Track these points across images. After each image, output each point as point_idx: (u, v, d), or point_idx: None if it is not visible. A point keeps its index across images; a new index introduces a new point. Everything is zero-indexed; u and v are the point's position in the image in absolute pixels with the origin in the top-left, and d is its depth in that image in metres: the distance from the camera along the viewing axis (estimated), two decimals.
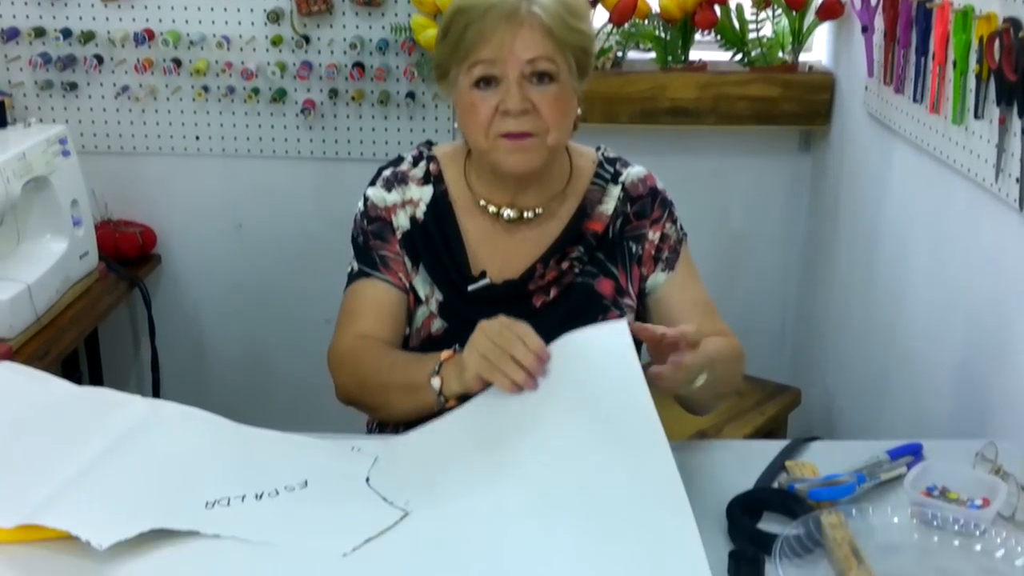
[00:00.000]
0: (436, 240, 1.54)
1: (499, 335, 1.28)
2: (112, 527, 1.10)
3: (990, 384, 1.66)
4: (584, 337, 1.27)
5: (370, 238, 1.55)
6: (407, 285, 1.54)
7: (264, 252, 2.71)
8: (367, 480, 1.25)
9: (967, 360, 1.75)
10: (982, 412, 1.67)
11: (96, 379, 2.64)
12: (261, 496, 1.20)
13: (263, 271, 2.73)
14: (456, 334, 1.51)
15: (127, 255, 2.54)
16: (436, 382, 1.36)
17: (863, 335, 2.29)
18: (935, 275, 1.89)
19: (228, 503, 1.19)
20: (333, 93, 2.53)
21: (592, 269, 1.54)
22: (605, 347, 1.26)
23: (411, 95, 2.53)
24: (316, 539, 1.13)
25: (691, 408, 1.47)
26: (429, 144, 1.63)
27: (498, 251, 1.54)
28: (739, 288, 2.75)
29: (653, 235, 1.56)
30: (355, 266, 1.56)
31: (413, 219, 1.55)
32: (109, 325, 2.68)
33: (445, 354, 1.38)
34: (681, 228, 1.59)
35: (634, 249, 1.55)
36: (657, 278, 1.56)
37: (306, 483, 1.23)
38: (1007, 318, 1.61)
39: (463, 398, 1.34)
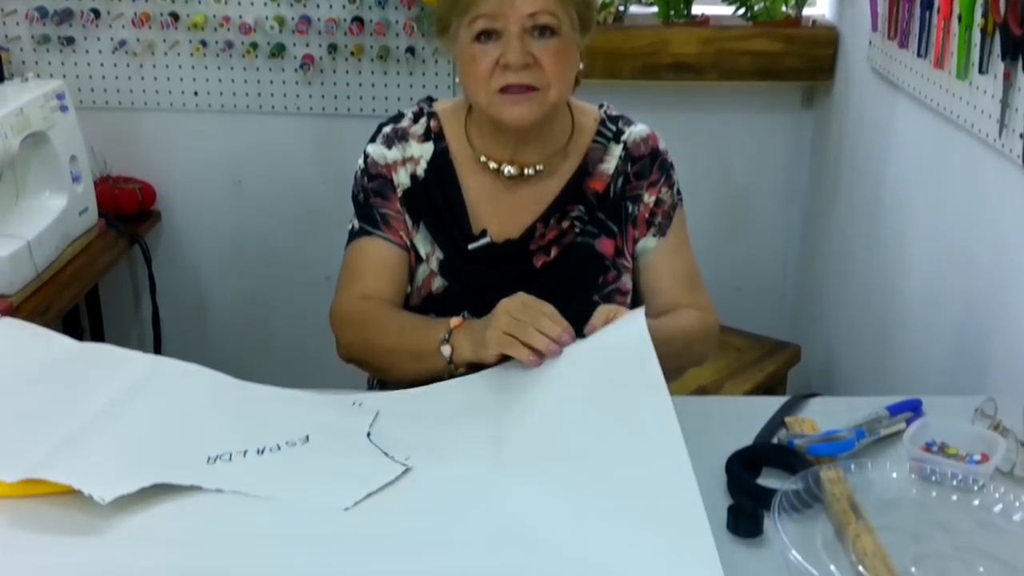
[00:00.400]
0: (437, 198, 1.53)
1: (523, 312, 1.29)
2: (115, 481, 1.11)
3: (990, 340, 1.66)
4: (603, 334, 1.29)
5: (371, 196, 1.54)
6: (408, 243, 1.54)
7: (264, 209, 2.71)
8: (368, 435, 1.25)
9: (967, 316, 1.75)
10: (982, 368, 1.67)
11: (97, 336, 2.64)
12: (263, 451, 1.21)
13: (263, 228, 2.72)
14: (457, 292, 1.51)
15: (126, 212, 2.53)
16: (447, 350, 1.36)
17: (863, 292, 2.29)
18: (936, 231, 1.89)
19: (230, 458, 1.19)
20: (332, 48, 2.51)
21: (593, 229, 1.53)
22: (619, 331, 1.27)
23: (411, 50, 2.51)
24: (317, 493, 1.14)
25: None
26: (429, 100, 1.61)
27: (499, 209, 1.54)
28: (740, 245, 2.75)
29: (649, 198, 1.55)
30: (356, 224, 1.55)
31: (414, 176, 1.54)
32: (110, 282, 2.68)
33: (454, 321, 1.38)
34: (678, 193, 1.58)
35: (630, 209, 1.55)
36: (647, 243, 1.56)
37: (307, 438, 1.24)
38: (1008, 274, 1.60)
39: (472, 367, 1.34)
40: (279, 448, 1.22)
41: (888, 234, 2.14)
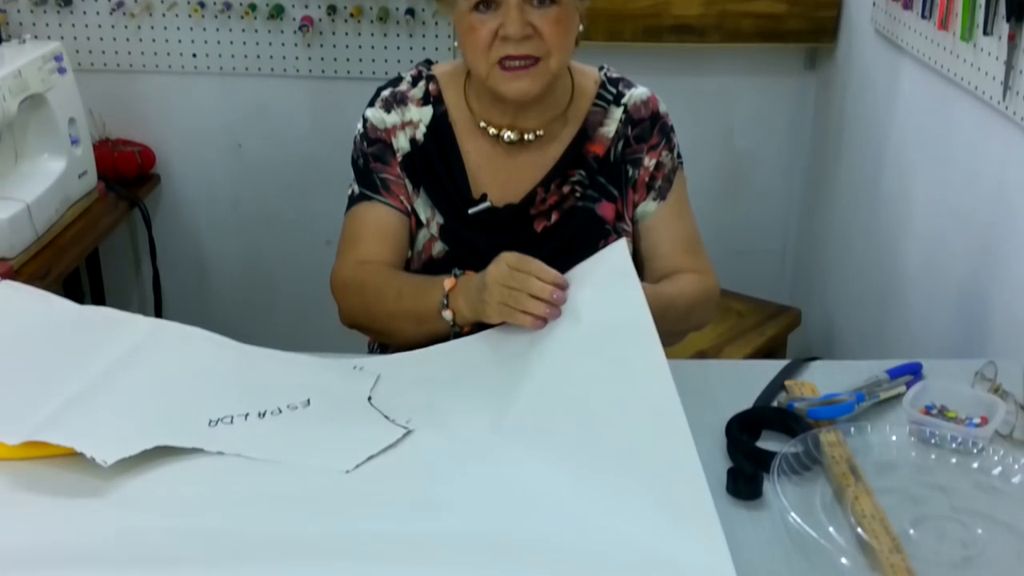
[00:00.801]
0: (436, 162, 1.52)
1: (511, 278, 1.27)
2: (116, 444, 1.11)
3: (991, 304, 1.66)
4: (588, 265, 1.27)
5: (370, 160, 1.53)
6: (409, 208, 1.53)
7: (263, 172, 2.70)
8: (369, 399, 1.26)
9: (968, 280, 1.75)
10: (982, 332, 1.67)
11: (98, 299, 2.65)
12: (264, 414, 1.21)
13: (263, 191, 2.71)
14: (457, 257, 1.51)
15: (126, 175, 2.53)
16: (448, 315, 1.36)
17: (864, 255, 2.29)
18: (939, 195, 1.88)
19: (231, 421, 1.20)
20: (331, 9, 2.49)
21: (593, 193, 1.52)
22: (606, 269, 1.25)
23: (410, 12, 2.49)
24: (318, 456, 1.14)
25: None
26: (428, 63, 1.60)
27: (499, 174, 1.53)
28: (741, 208, 2.74)
29: (649, 161, 1.54)
30: (356, 189, 1.55)
31: (413, 141, 1.53)
32: (110, 245, 2.68)
33: (448, 282, 1.37)
34: (678, 156, 1.57)
35: (631, 173, 1.54)
36: (647, 206, 1.55)
37: (308, 402, 1.24)
38: (1010, 237, 1.60)
39: (478, 324, 1.34)
40: (280, 411, 1.22)
41: (890, 197, 2.13)
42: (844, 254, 2.44)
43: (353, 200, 1.54)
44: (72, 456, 1.10)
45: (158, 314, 2.66)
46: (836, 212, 2.49)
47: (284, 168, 2.69)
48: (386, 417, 1.21)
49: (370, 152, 1.53)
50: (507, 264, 1.29)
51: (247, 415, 1.21)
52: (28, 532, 1.01)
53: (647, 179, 1.54)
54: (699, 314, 1.52)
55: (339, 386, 1.29)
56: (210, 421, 1.19)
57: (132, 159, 2.55)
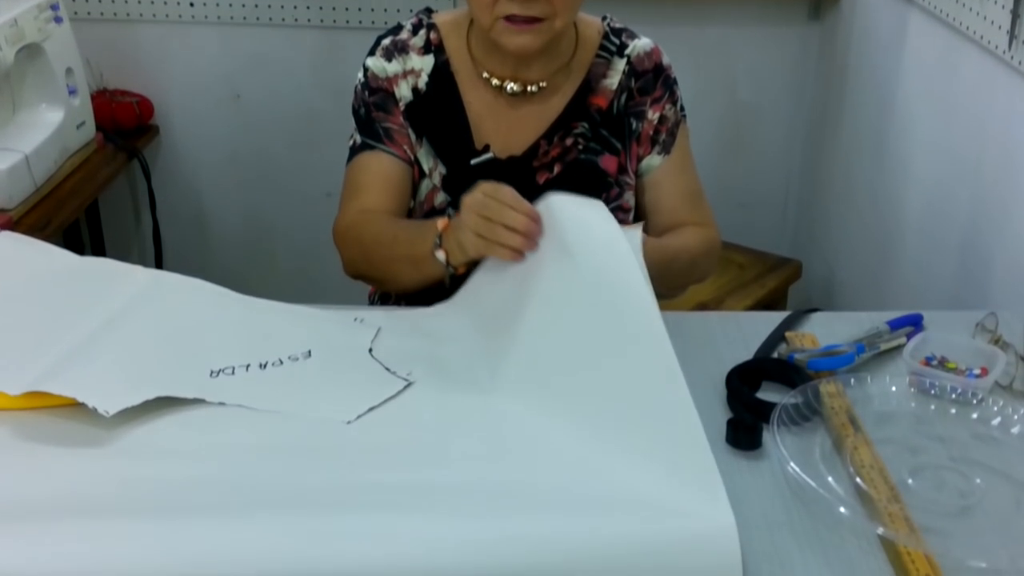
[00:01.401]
0: (438, 112, 1.51)
1: (486, 207, 1.24)
2: (118, 394, 1.11)
3: (993, 255, 1.65)
4: (568, 201, 1.25)
5: (372, 110, 1.52)
6: (411, 157, 1.52)
7: (263, 124, 2.68)
8: (370, 351, 1.26)
9: (971, 231, 1.74)
10: (984, 283, 1.67)
11: (98, 251, 2.64)
12: (265, 366, 1.21)
13: (263, 143, 2.70)
14: (459, 208, 1.50)
15: (124, 126, 2.51)
16: (441, 255, 1.34)
17: (866, 207, 2.28)
18: (943, 146, 1.87)
19: (233, 372, 1.20)
20: None
21: (596, 146, 1.52)
22: (593, 218, 1.23)
23: None
24: (319, 408, 1.14)
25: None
26: (428, 11, 1.58)
27: (501, 125, 1.52)
28: (743, 160, 2.73)
29: (653, 115, 1.53)
30: (357, 139, 1.53)
31: (415, 90, 1.52)
32: (109, 197, 2.67)
33: (441, 223, 1.35)
34: (681, 109, 1.56)
35: (634, 126, 1.53)
36: (652, 160, 1.54)
37: (309, 353, 1.24)
38: (1014, 189, 1.59)
39: (473, 264, 1.33)
40: (281, 363, 1.22)
41: (893, 148, 2.12)
42: (846, 206, 2.43)
43: (355, 150, 1.53)
44: (74, 406, 1.11)
45: (159, 266, 2.66)
46: (839, 164, 2.48)
47: (284, 119, 2.67)
48: (387, 369, 1.22)
49: (372, 101, 1.52)
50: (482, 192, 1.26)
51: (248, 366, 1.21)
52: (29, 482, 1.02)
53: (651, 133, 1.53)
54: (702, 267, 1.52)
55: (340, 338, 1.29)
56: (211, 372, 1.19)
57: (130, 110, 2.53)
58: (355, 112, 1.54)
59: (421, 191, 1.53)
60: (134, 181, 2.71)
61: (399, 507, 0.97)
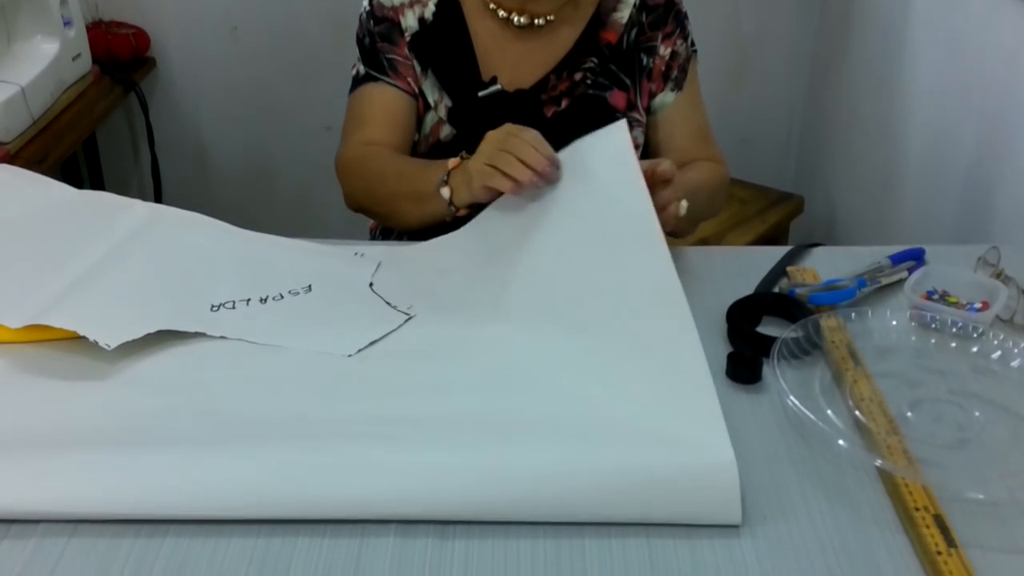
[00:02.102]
0: (445, 43, 1.49)
1: (507, 142, 1.23)
2: (119, 328, 1.11)
3: (995, 189, 1.65)
4: (585, 144, 1.25)
5: (377, 40, 1.49)
6: (416, 90, 1.50)
7: (261, 56, 2.65)
8: (371, 285, 1.26)
9: (974, 165, 1.73)
10: (986, 217, 1.67)
11: (97, 185, 2.63)
12: (266, 300, 1.21)
13: (261, 76, 2.67)
14: (465, 140, 1.49)
15: (121, 58, 2.48)
16: (445, 192, 1.32)
17: (869, 142, 2.26)
18: (947, 80, 1.85)
19: (233, 306, 1.20)
20: None
21: (604, 81, 1.50)
22: (605, 150, 1.23)
23: None
24: (320, 342, 1.15)
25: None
26: None
27: (508, 57, 1.50)
28: (746, 94, 2.71)
29: (664, 51, 1.51)
30: (361, 69, 1.51)
31: (422, 20, 1.50)
32: (107, 131, 2.66)
33: (452, 162, 1.34)
34: (692, 44, 1.54)
35: (645, 62, 1.51)
36: (665, 98, 1.52)
37: (310, 287, 1.24)
38: (1017, 123, 1.58)
39: (475, 207, 1.32)
40: (282, 297, 1.22)
41: (897, 83, 2.10)
42: (849, 140, 2.41)
43: (358, 81, 1.51)
44: (75, 340, 1.11)
45: (158, 200, 2.65)
46: (842, 98, 2.46)
47: (282, 52, 2.64)
48: (388, 303, 1.22)
49: (377, 31, 1.50)
50: (507, 129, 1.25)
51: (248, 300, 1.21)
52: (31, 415, 1.02)
53: (663, 69, 1.51)
54: (717, 203, 1.52)
55: (341, 272, 1.29)
56: (212, 306, 1.19)
57: (126, 41, 2.50)
58: (359, 41, 1.52)
59: (426, 124, 1.51)
60: (132, 114, 2.69)
61: (399, 439, 0.97)
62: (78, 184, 2.56)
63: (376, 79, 1.49)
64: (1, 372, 1.09)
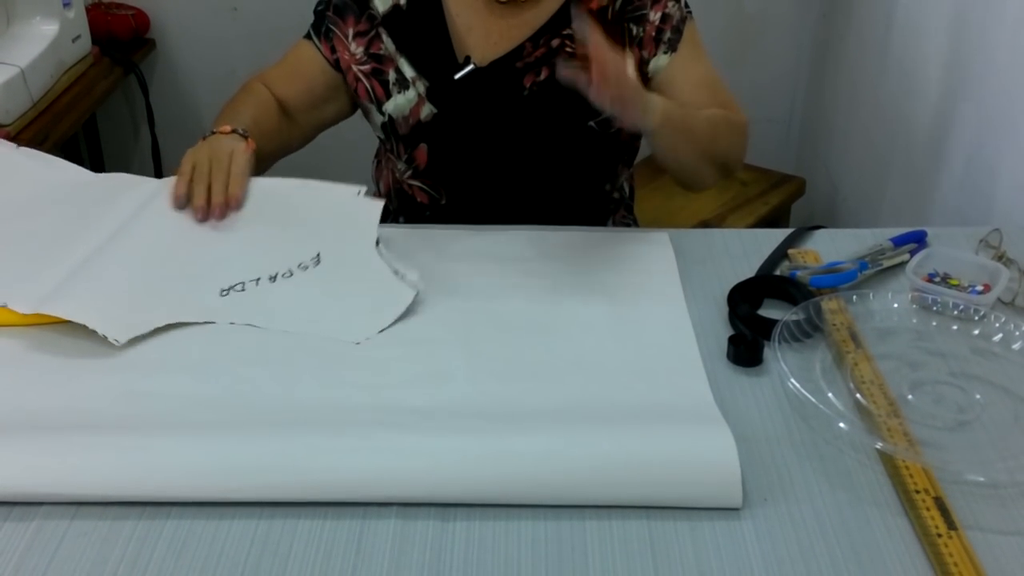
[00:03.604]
0: (420, 23, 1.49)
1: (210, 161, 1.32)
2: (128, 317, 1.11)
3: (998, 171, 1.64)
4: None
5: (330, 9, 1.53)
6: (339, 64, 1.52)
7: (261, 37, 2.63)
8: (377, 243, 1.25)
9: (976, 146, 1.73)
10: (988, 199, 1.66)
11: (97, 166, 2.63)
12: (275, 278, 1.21)
13: (261, 56, 2.62)
14: (447, 119, 1.49)
15: (120, 39, 2.48)
16: (199, 142, 1.39)
17: (871, 123, 2.26)
18: (950, 60, 1.85)
19: (243, 288, 1.19)
20: None
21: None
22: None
23: None
24: (329, 328, 1.14)
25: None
26: None
27: (491, 35, 1.48)
28: (747, 75, 2.69)
29: (654, 15, 1.49)
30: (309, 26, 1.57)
31: (396, 5, 1.49)
32: (107, 112, 2.65)
33: (223, 128, 1.39)
34: (686, 6, 1.52)
35: (635, 31, 1.49)
36: (660, 60, 1.50)
37: (318, 258, 1.23)
38: (1020, 103, 1.57)
39: None
40: (291, 274, 1.22)
41: (900, 63, 2.09)
42: (850, 122, 2.40)
43: (304, 34, 1.57)
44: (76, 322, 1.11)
45: None
46: (844, 79, 2.45)
47: (281, 32, 2.60)
48: (395, 272, 1.21)
49: (336, 2, 1.53)
50: (227, 149, 1.34)
51: (258, 280, 1.21)
52: (32, 397, 1.02)
53: (654, 33, 1.49)
54: (726, 138, 1.45)
55: (348, 232, 1.27)
56: (221, 290, 1.19)
57: (126, 22, 2.49)
58: (316, 4, 1.57)
59: (402, 105, 1.51)
60: (131, 95, 2.68)
61: (400, 424, 0.97)
62: (78, 164, 2.56)
63: (309, 37, 1.55)
64: (2, 354, 1.09)
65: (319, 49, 1.53)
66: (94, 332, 1.09)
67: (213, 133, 1.39)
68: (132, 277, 1.19)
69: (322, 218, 1.30)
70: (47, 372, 1.06)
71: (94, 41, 2.31)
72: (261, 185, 1.34)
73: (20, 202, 1.31)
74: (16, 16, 2.11)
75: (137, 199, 1.32)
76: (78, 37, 2.22)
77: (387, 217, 1.58)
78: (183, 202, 1.30)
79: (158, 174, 2.62)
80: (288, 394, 1.04)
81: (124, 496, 0.91)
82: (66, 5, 2.16)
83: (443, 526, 0.90)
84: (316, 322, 1.15)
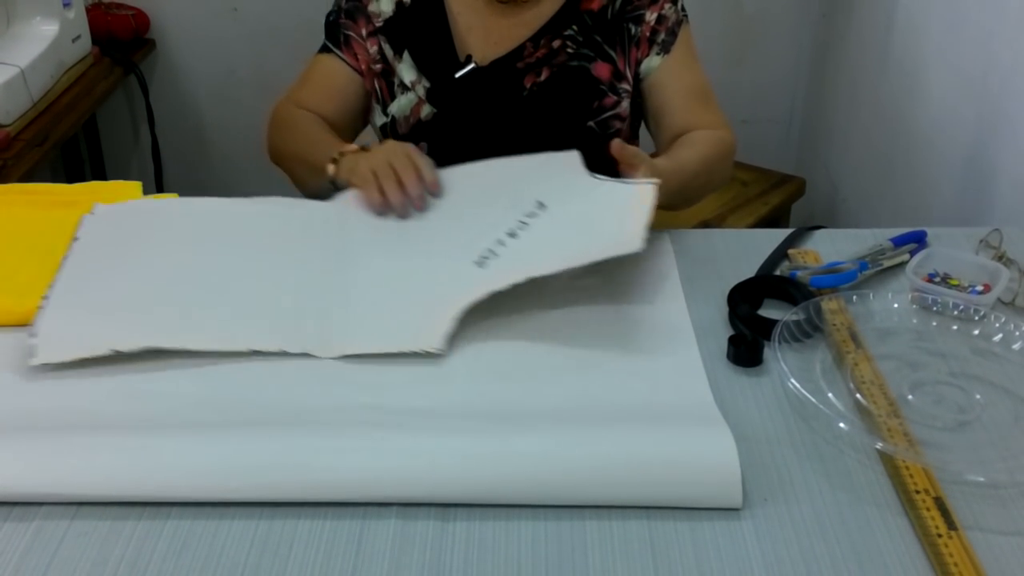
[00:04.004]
0: (421, 24, 1.49)
1: (397, 158, 1.29)
2: (437, 328, 1.09)
3: (998, 171, 1.64)
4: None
5: (342, 16, 1.54)
6: (363, 69, 1.52)
7: (261, 37, 2.64)
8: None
9: (976, 146, 1.73)
10: (989, 199, 1.66)
11: (97, 166, 2.63)
12: (514, 234, 1.20)
13: (261, 57, 2.66)
14: (447, 119, 1.49)
15: (121, 39, 2.48)
16: (331, 169, 1.36)
17: (871, 123, 2.26)
18: (950, 59, 1.85)
19: (494, 253, 1.18)
20: None
21: (587, 52, 1.49)
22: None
23: None
24: (603, 247, 1.12)
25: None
26: None
27: (491, 34, 1.49)
28: (747, 75, 2.69)
29: (651, 16, 1.49)
30: (324, 38, 1.56)
31: (399, 4, 1.50)
32: (107, 112, 2.65)
33: (351, 147, 1.38)
34: (682, 9, 1.52)
35: (633, 31, 1.50)
36: (651, 62, 1.50)
37: (541, 204, 1.23)
38: (1021, 104, 1.57)
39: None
40: (526, 224, 1.21)
41: (900, 63, 2.09)
42: (850, 122, 2.40)
43: (320, 49, 1.57)
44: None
45: (158, 182, 2.65)
46: (844, 78, 2.45)
47: (281, 33, 2.63)
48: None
49: (345, 8, 1.53)
50: (406, 150, 1.31)
51: (500, 241, 1.20)
52: (33, 397, 1.02)
53: (649, 34, 1.49)
54: (719, 175, 1.47)
55: (554, 178, 1.27)
56: (475, 263, 1.18)
57: (126, 22, 2.49)
58: (327, 15, 1.57)
59: (404, 105, 1.51)
60: (132, 96, 2.68)
61: (400, 425, 0.97)
62: (78, 164, 2.56)
63: (330, 50, 1.54)
64: (2, 354, 1.09)
65: (343, 60, 1.53)
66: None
67: (342, 155, 1.36)
68: (400, 291, 1.16)
69: (523, 175, 1.30)
70: (47, 372, 1.06)
71: (94, 41, 2.31)
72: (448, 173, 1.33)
73: (213, 247, 1.25)
74: (16, 16, 2.11)
75: (320, 221, 1.28)
76: (78, 37, 2.22)
77: None
78: (381, 205, 1.27)
79: (158, 174, 2.63)
80: (288, 394, 1.03)
81: (124, 496, 0.91)
82: (66, 5, 2.16)
83: (443, 526, 0.90)
84: (588, 249, 1.12)
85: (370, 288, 1.17)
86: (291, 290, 1.16)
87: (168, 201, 1.33)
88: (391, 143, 1.35)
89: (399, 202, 1.27)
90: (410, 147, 1.33)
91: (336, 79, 1.53)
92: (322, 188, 1.39)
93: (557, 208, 1.23)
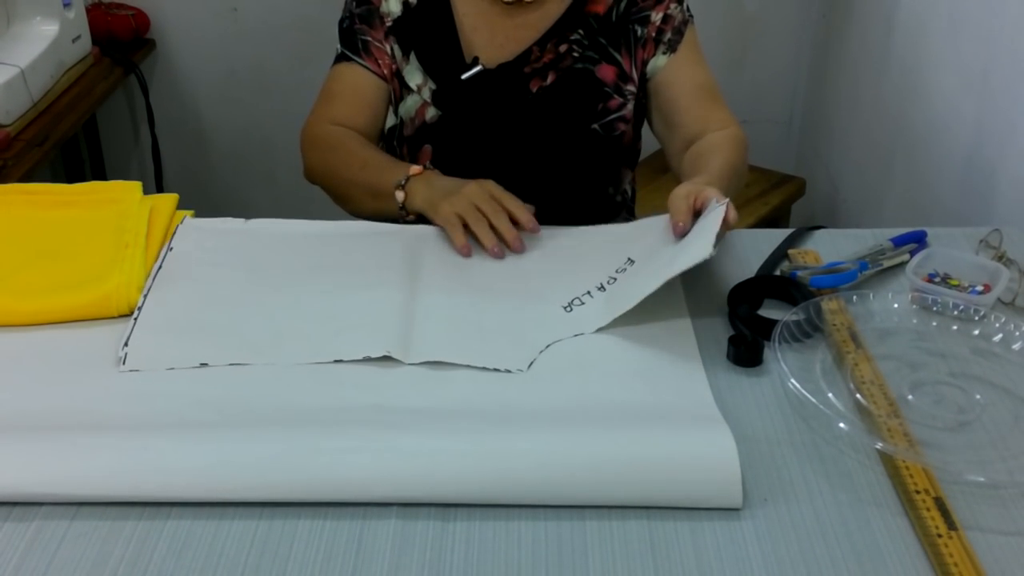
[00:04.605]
0: (428, 25, 1.49)
1: (486, 202, 1.28)
2: (516, 352, 1.10)
3: (998, 171, 1.64)
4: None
5: (356, 21, 1.51)
6: (389, 73, 1.51)
7: (261, 37, 2.64)
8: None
9: (976, 146, 1.73)
10: (988, 199, 1.66)
11: (97, 167, 2.63)
12: (603, 287, 1.22)
13: (261, 57, 2.66)
14: (451, 122, 1.49)
15: (121, 39, 2.47)
16: (400, 195, 1.36)
17: (872, 123, 2.26)
18: (950, 59, 1.85)
19: (582, 302, 1.19)
20: None
21: (593, 54, 1.49)
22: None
23: None
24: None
25: None
26: None
27: (496, 35, 1.49)
28: (748, 75, 2.70)
29: (656, 16, 1.49)
30: (339, 48, 1.54)
31: (406, 4, 1.50)
32: (107, 112, 2.65)
33: (415, 168, 1.37)
34: (687, 10, 1.53)
35: (639, 32, 1.50)
36: (658, 61, 1.50)
37: (630, 260, 1.25)
38: (1021, 104, 1.57)
39: (423, 217, 1.35)
40: (615, 280, 1.22)
41: (900, 63, 2.09)
42: (851, 122, 2.40)
43: (336, 59, 1.54)
44: (78, 322, 1.11)
45: (158, 182, 2.65)
46: (845, 78, 2.45)
47: (281, 32, 2.63)
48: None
49: (357, 13, 1.51)
50: (490, 190, 1.30)
51: (589, 292, 1.21)
52: (33, 397, 1.02)
53: (654, 34, 1.49)
54: (744, 172, 1.48)
55: (646, 234, 1.27)
56: (564, 308, 1.19)
57: (126, 22, 2.49)
58: (340, 22, 1.54)
59: (410, 107, 1.51)
60: (132, 96, 2.68)
61: (401, 425, 0.97)
62: (78, 164, 2.56)
63: (350, 59, 1.51)
64: (2, 354, 1.09)
65: (366, 67, 1.51)
66: (94, 332, 1.09)
67: (409, 178, 1.36)
68: (488, 321, 1.16)
69: (621, 238, 1.31)
70: (47, 372, 1.06)
71: (94, 41, 2.31)
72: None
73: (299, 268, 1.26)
74: (16, 16, 2.11)
75: (405, 249, 1.28)
76: (78, 37, 2.22)
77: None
78: (470, 250, 1.27)
79: (158, 174, 2.63)
80: (288, 394, 1.03)
81: (124, 496, 0.91)
82: (66, 5, 2.16)
83: (443, 526, 0.90)
84: (662, 270, 1.13)
85: (457, 315, 1.17)
86: (373, 311, 1.16)
87: (256, 221, 1.34)
88: (472, 183, 1.32)
89: (495, 249, 1.27)
90: (491, 184, 1.32)
91: (364, 91, 1.51)
92: (388, 212, 1.38)
93: (644, 257, 1.24)
